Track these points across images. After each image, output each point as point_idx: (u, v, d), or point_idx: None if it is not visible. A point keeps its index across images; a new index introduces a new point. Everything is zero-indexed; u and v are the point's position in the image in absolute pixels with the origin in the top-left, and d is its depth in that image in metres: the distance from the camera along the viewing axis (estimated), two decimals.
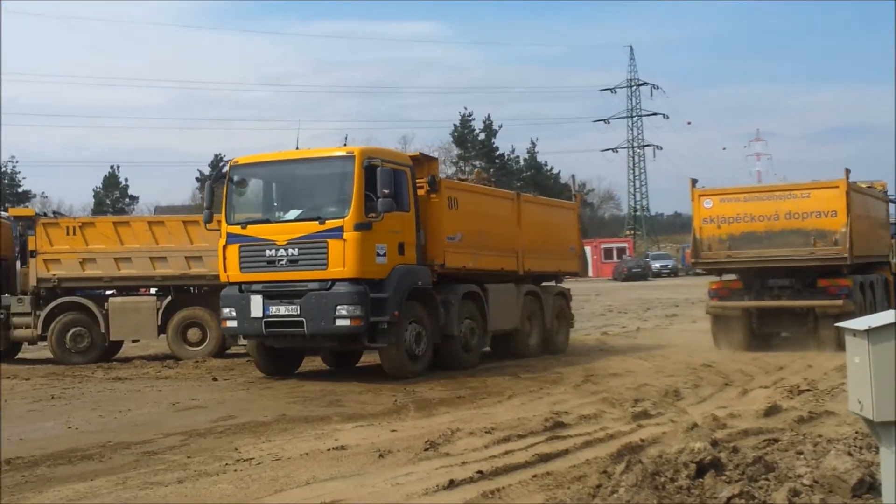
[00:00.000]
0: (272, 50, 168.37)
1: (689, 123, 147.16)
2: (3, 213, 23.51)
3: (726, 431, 9.45)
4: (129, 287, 20.69)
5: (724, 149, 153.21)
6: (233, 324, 15.47)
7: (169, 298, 19.96)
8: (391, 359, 15.42)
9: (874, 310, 17.84)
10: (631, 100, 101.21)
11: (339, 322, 14.55)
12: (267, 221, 15.53)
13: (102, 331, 19.88)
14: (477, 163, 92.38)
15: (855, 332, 5.60)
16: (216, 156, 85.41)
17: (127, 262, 19.98)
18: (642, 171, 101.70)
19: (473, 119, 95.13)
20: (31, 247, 20.16)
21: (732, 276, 19.86)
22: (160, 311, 19.79)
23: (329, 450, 9.39)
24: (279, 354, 16.48)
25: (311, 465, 8.72)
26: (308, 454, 9.22)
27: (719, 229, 19.11)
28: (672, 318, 29.41)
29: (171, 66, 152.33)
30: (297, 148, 16.40)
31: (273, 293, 15.01)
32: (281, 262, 15.03)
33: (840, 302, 18.14)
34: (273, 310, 14.95)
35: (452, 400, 13.03)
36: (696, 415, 10.84)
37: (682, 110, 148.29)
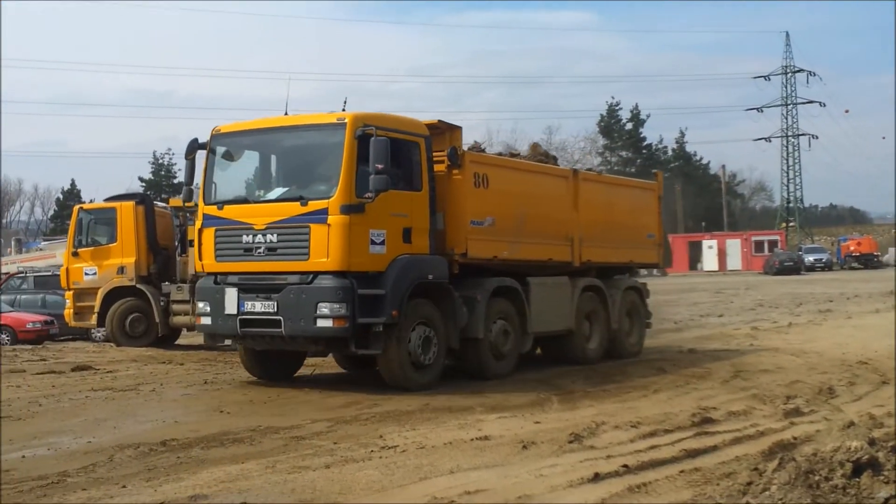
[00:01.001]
0: (422, 41, 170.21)
1: (846, 112, 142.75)
2: (162, 203, 24.39)
3: (884, 430, 9.07)
4: None
5: (884, 138, 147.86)
6: (207, 321, 13.52)
7: None
8: (390, 368, 13.13)
9: None
10: (786, 87, 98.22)
11: (320, 323, 12.43)
12: (245, 201, 13.46)
13: None
14: (623, 153, 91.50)
15: None
16: None
17: None
18: (796, 161, 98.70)
19: (621, 108, 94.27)
20: (189, 236, 20.82)
21: None
22: None
23: (473, 440, 9.42)
24: (270, 355, 14.39)
25: (454, 455, 8.75)
26: (452, 443, 9.26)
27: None
28: (826, 313, 28.44)
29: (326, 60, 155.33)
30: (286, 113, 13.88)
31: (249, 286, 13.01)
32: (259, 250, 12.95)
33: None
34: (248, 306, 12.95)
35: (596, 393, 12.91)
36: (852, 413, 10.48)
37: (839, 98, 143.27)
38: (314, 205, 12.56)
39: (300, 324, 12.59)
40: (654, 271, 73.02)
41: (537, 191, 15.83)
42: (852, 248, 74.40)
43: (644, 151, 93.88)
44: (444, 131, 14.48)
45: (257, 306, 12.88)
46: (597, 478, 7.62)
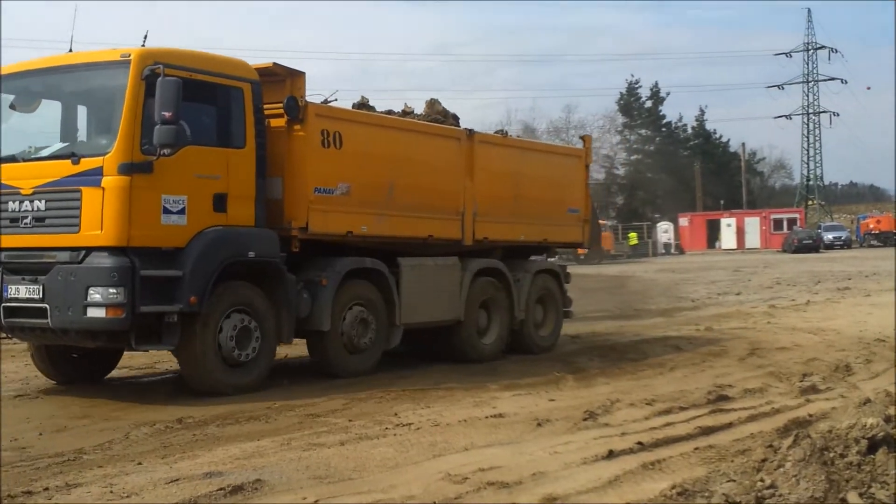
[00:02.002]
0: (438, 19, 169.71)
1: (868, 88, 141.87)
2: None
3: None
4: None
5: None
6: None
7: None
8: (189, 366, 10.82)
9: None
10: (807, 64, 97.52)
11: (90, 312, 9.95)
12: (13, 160, 10.83)
13: None
14: (642, 131, 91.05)
15: None
16: None
17: None
18: (817, 138, 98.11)
19: (640, 87, 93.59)
20: None
21: None
22: None
23: (487, 417, 9.43)
24: (70, 351, 11.91)
25: (469, 432, 8.76)
26: (466, 421, 9.27)
27: None
28: (844, 291, 28.31)
29: (341, 39, 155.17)
30: (70, 50, 11.31)
31: (15, 266, 10.56)
32: (25, 221, 10.50)
33: None
34: (12, 291, 10.46)
35: (612, 371, 12.90)
36: (868, 390, 10.43)
37: (860, 73, 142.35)
38: (87, 163, 10.15)
39: (68, 314, 10.10)
40: (672, 249, 72.96)
41: (415, 154, 13.29)
42: (871, 226, 74.03)
43: (664, 130, 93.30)
44: (284, 78, 11.98)
45: (21, 291, 10.43)
46: (611, 455, 7.62)
